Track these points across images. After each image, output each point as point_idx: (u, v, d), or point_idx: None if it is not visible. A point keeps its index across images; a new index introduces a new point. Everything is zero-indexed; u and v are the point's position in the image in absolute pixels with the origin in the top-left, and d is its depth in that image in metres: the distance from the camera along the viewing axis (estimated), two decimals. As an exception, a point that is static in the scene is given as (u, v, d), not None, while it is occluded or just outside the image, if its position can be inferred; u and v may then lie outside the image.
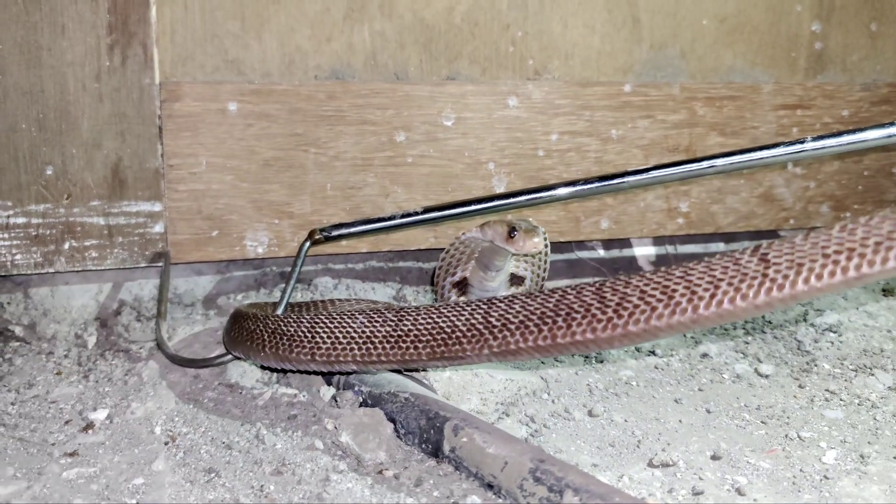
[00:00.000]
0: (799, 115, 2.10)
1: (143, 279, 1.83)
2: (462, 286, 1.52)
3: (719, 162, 1.68)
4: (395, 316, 1.27)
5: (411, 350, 1.24)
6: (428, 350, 1.22)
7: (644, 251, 2.14)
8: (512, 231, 1.36)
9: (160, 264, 1.74)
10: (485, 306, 1.20)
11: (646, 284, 1.05)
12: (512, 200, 1.68)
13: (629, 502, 1.01)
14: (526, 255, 1.50)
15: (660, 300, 1.03)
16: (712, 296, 1.00)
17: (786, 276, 0.97)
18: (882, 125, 1.58)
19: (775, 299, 0.97)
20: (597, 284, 1.10)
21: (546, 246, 1.50)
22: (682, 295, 1.02)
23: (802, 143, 1.63)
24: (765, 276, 0.98)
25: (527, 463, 1.10)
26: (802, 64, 2.12)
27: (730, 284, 0.99)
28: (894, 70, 2.19)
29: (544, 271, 1.56)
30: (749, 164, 1.71)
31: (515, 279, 1.54)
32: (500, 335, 1.18)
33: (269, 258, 1.87)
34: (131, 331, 1.74)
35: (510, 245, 1.37)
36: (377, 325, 1.28)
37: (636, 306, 1.05)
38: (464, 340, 1.20)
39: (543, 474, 1.07)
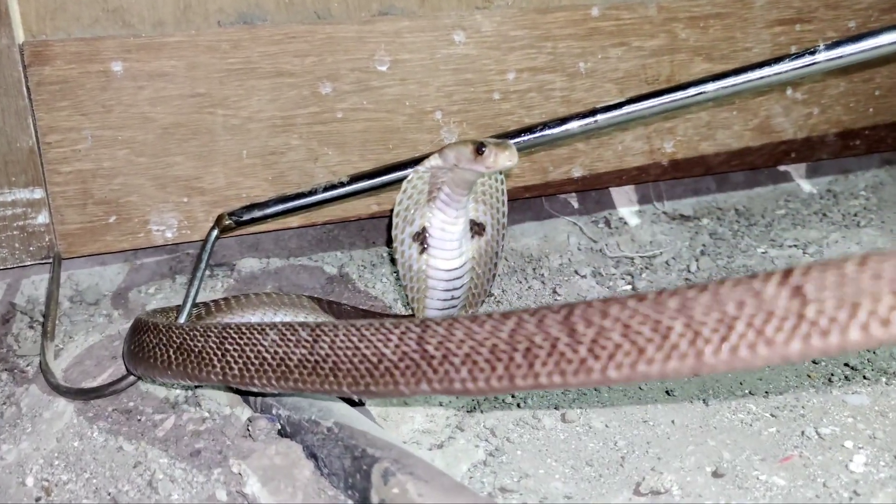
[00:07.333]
0: (798, 30, 1.80)
1: (37, 276, 1.56)
2: (422, 238, 1.27)
3: (710, 87, 1.41)
4: (311, 336, 1.00)
5: (331, 379, 0.97)
6: (350, 380, 0.95)
7: (625, 201, 1.86)
8: (480, 147, 1.16)
9: (50, 261, 1.46)
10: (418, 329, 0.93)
11: (630, 316, 0.77)
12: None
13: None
14: (499, 172, 1.28)
15: (649, 339, 0.76)
16: (723, 339, 0.72)
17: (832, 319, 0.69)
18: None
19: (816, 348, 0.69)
20: (564, 312, 0.82)
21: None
22: (681, 335, 0.74)
23: (814, 53, 1.34)
24: (801, 316, 0.70)
25: (471, 527, 0.84)
26: (800, -31, 1.81)
27: (748, 325, 0.71)
28: (906, -30, 1.88)
29: (504, 216, 1.33)
30: (754, 86, 1.42)
31: (476, 227, 1.32)
32: (440, 368, 0.90)
33: (182, 242, 1.58)
34: (21, 341, 1.46)
35: (479, 163, 1.18)
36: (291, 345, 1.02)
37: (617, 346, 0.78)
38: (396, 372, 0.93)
39: (492, 545, 0.82)
